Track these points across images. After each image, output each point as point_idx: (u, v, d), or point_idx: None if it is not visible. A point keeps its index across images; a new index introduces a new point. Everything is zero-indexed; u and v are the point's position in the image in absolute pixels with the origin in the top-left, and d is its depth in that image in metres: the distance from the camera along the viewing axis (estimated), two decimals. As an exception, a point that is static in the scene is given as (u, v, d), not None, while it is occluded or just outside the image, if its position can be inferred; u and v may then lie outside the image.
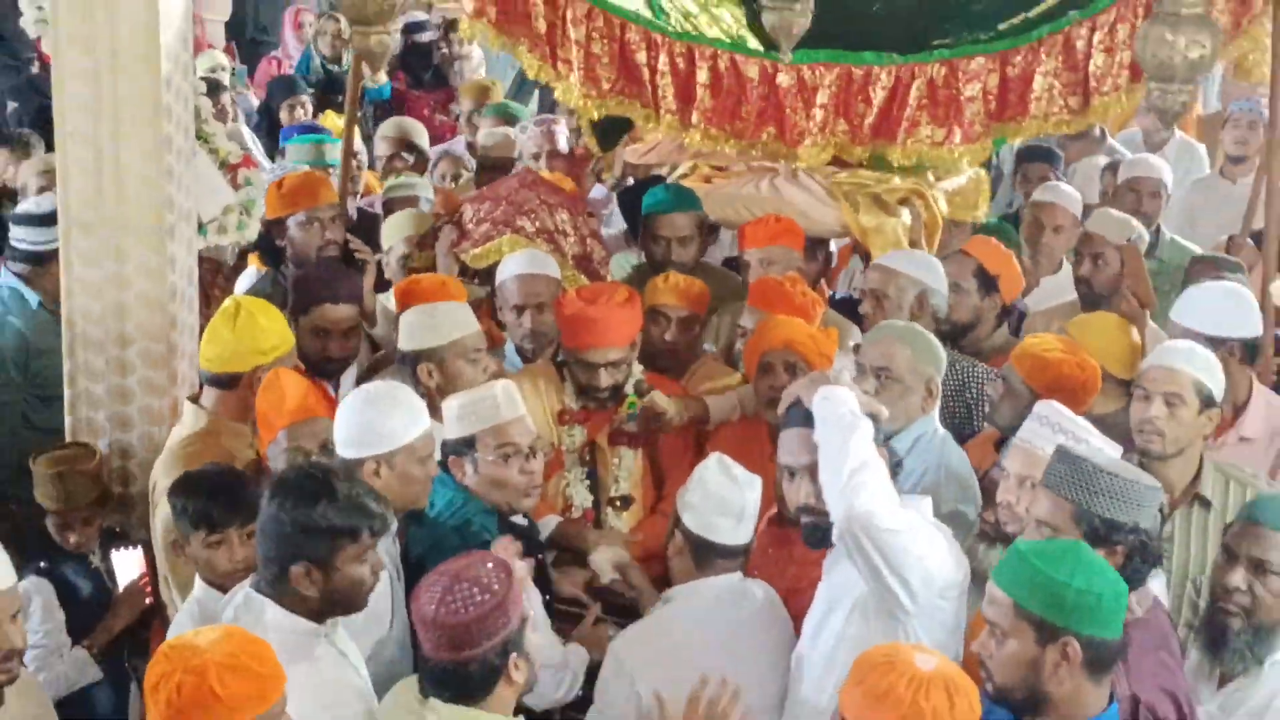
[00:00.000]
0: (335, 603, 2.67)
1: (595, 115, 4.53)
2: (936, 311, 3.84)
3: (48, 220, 4.00)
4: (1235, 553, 2.74)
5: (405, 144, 5.73)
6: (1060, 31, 4.08)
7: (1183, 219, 5.32)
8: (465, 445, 3.13)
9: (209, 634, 2.36)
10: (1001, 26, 4.25)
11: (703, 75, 4.25)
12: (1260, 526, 2.74)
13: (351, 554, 2.64)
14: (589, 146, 5.17)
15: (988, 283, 3.98)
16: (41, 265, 4.07)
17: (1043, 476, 2.66)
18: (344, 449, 2.94)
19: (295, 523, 2.62)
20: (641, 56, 4.27)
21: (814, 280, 4.43)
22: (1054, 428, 2.88)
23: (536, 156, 5.36)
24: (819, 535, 2.73)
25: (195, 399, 3.46)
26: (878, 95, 4.21)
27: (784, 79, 4.21)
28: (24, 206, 4.31)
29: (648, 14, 4.35)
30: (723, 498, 2.89)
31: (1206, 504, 3.15)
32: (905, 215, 4.32)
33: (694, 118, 4.28)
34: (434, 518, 3.13)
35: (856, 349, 3.60)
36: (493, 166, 5.34)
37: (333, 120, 6.18)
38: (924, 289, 3.82)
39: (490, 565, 2.58)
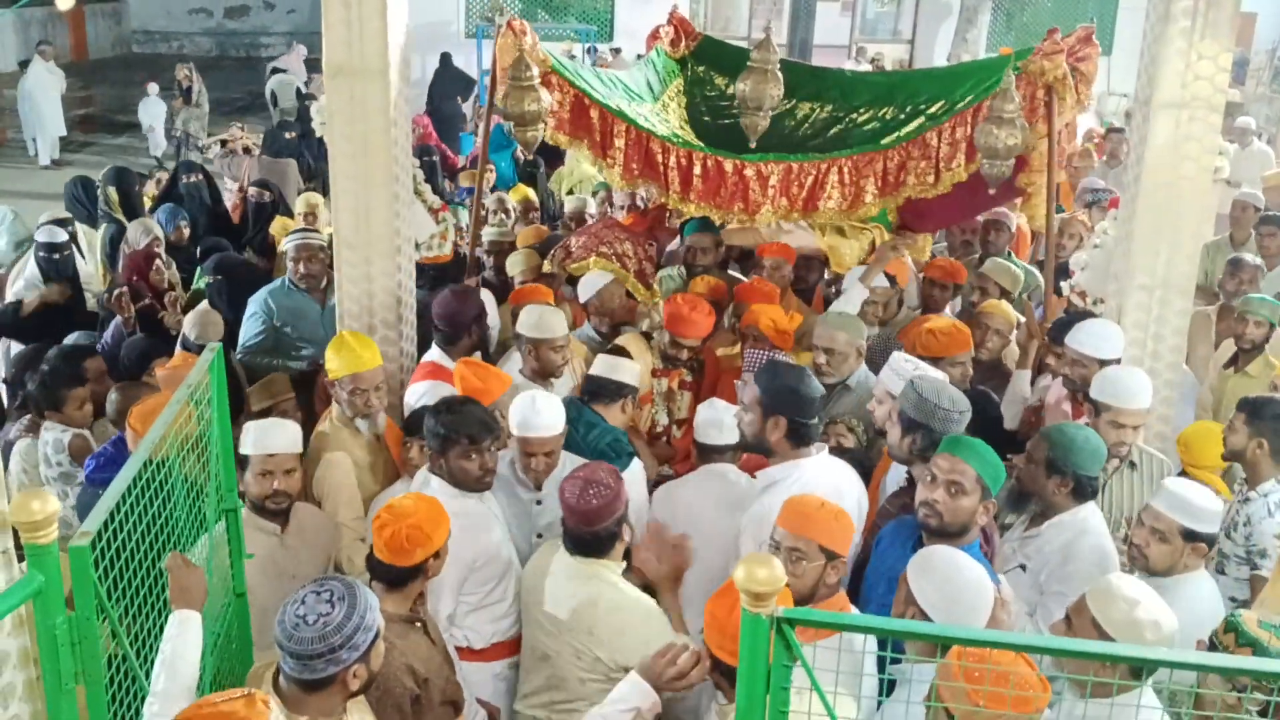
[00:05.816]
0: (462, 481, 3.40)
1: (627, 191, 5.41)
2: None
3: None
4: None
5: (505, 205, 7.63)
6: (920, 135, 4.98)
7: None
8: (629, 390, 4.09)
9: (410, 499, 3.02)
10: (884, 138, 5.11)
11: (697, 169, 5.01)
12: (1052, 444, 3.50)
13: (469, 450, 3.38)
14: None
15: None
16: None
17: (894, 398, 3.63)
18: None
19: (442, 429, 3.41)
20: (659, 156, 5.03)
21: (812, 286, 5.74)
22: (899, 371, 3.80)
23: (624, 207, 6.92)
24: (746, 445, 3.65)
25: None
26: (807, 181, 5.00)
27: (749, 172, 4.98)
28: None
29: (663, 130, 5.16)
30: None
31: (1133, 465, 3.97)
32: (864, 240, 5.55)
33: (691, 195, 5.06)
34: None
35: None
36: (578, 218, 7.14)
37: (523, 191, 8.13)
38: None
39: (606, 471, 3.14)
